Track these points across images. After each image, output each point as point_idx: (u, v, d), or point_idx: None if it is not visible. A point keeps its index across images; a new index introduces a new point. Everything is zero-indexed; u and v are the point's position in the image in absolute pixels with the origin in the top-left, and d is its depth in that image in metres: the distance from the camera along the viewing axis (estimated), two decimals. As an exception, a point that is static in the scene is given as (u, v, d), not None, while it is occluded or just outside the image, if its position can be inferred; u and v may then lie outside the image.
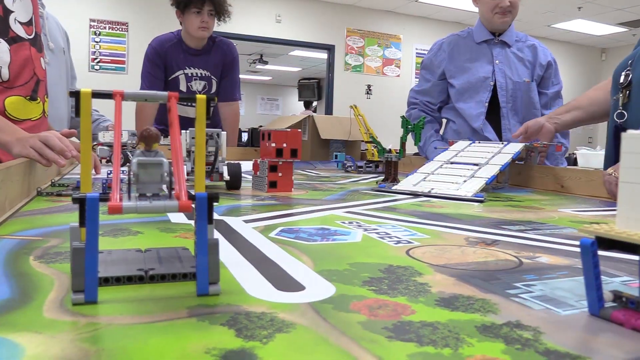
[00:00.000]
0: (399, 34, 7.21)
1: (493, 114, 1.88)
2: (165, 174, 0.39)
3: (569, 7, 6.69)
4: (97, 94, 0.38)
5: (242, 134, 7.80)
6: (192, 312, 0.34)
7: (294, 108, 12.08)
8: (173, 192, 0.38)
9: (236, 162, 1.10)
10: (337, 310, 0.36)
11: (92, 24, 5.52)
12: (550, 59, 1.93)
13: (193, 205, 0.36)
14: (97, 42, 5.53)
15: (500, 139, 1.86)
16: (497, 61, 1.88)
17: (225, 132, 1.05)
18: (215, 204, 0.37)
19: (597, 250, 0.34)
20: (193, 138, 0.90)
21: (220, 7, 2.08)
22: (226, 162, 1.07)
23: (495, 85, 1.87)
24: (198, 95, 0.40)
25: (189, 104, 0.40)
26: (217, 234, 0.60)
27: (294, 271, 0.46)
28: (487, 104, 1.86)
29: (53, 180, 1.09)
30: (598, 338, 0.32)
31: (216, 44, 2.21)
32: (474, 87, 1.88)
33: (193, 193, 0.36)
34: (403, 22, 7.21)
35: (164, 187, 0.39)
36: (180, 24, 2.15)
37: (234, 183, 1.07)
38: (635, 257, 0.33)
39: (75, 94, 0.37)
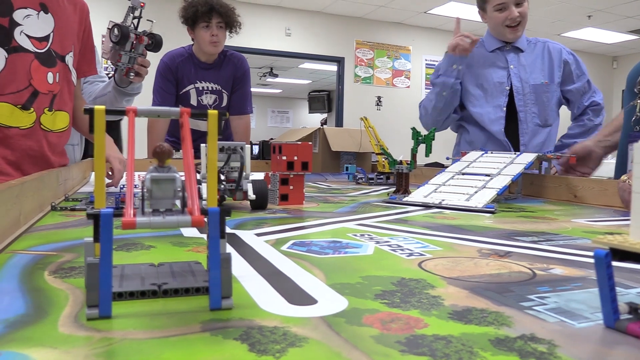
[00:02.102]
0: (408, 45, 7.23)
1: (510, 119, 1.87)
2: (178, 189, 0.39)
3: (578, 16, 6.67)
4: (110, 111, 0.39)
5: (253, 146, 7.85)
6: (205, 327, 0.34)
7: (305, 120, 12.13)
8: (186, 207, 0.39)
9: (261, 178, 1.01)
10: (349, 324, 0.36)
11: (103, 40, 5.60)
12: (565, 56, 1.92)
13: (206, 220, 0.36)
14: (109, 57, 5.62)
15: (518, 143, 1.85)
16: (511, 66, 1.88)
17: (249, 146, 0.93)
18: (227, 217, 0.38)
19: (611, 262, 0.34)
20: None
21: (228, 18, 2.08)
22: (251, 178, 0.95)
23: (512, 90, 1.87)
24: (210, 111, 0.40)
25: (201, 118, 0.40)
26: (229, 248, 0.60)
27: (306, 285, 0.46)
28: (505, 108, 1.86)
29: (67, 195, 1.10)
30: (614, 351, 0.32)
31: (227, 57, 2.23)
32: (490, 93, 1.88)
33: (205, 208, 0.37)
34: (412, 34, 7.24)
35: (177, 202, 0.39)
36: (192, 40, 2.17)
37: (260, 202, 0.97)
38: (651, 269, 0.33)
39: (90, 112, 0.37)
